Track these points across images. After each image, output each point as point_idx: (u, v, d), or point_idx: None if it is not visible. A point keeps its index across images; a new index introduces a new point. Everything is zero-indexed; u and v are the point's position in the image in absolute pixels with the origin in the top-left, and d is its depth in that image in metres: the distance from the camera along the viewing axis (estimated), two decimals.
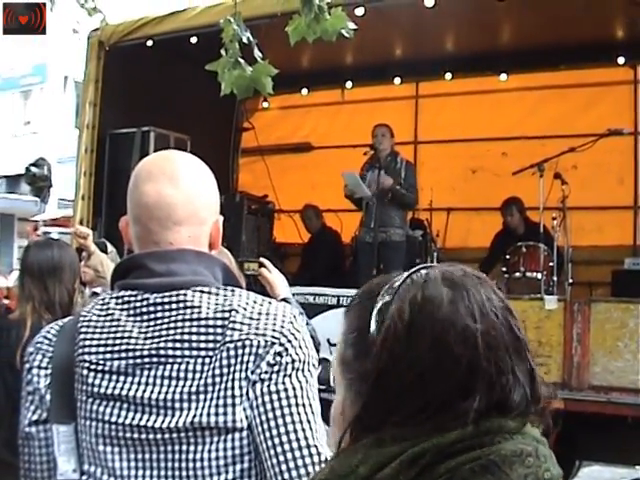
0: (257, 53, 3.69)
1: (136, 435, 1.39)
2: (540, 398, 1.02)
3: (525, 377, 1.00)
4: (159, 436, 1.38)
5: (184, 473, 1.38)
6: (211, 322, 1.41)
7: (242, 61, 3.65)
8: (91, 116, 7.56)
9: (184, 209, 1.50)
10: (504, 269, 6.97)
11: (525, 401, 1.00)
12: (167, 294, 1.44)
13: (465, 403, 0.97)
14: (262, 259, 3.00)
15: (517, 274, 6.83)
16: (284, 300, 3.17)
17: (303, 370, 1.43)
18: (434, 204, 8.15)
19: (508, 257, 6.91)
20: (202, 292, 1.44)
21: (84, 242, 4.18)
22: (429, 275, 1.05)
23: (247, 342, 1.39)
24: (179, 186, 1.50)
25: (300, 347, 1.44)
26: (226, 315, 1.41)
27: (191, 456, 1.38)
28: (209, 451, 1.38)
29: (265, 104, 9.91)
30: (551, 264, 6.55)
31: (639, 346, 5.40)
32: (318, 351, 3.24)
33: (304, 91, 9.68)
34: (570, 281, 6.40)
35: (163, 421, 1.38)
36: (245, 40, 3.69)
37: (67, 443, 1.44)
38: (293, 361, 1.42)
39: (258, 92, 3.81)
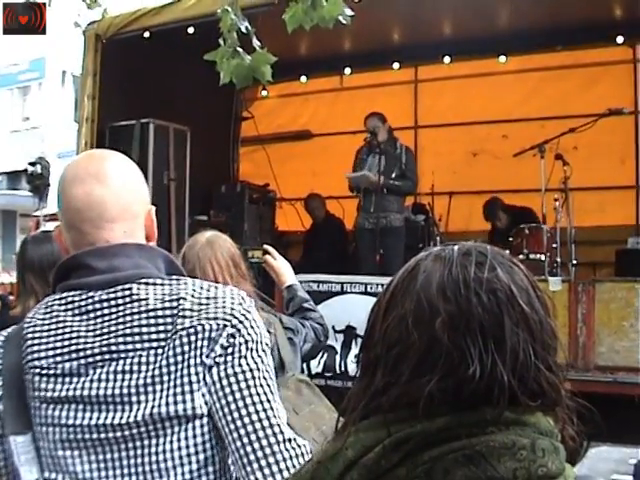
0: (256, 42, 3.68)
1: (95, 435, 1.37)
2: (549, 389, 0.97)
3: (524, 367, 0.94)
4: (119, 433, 1.36)
5: (147, 468, 1.37)
6: (160, 312, 1.39)
7: (241, 50, 3.64)
8: (90, 109, 7.55)
9: (115, 206, 1.48)
10: (507, 251, 6.94)
11: (526, 391, 0.94)
12: (112, 290, 1.42)
13: (421, 380, 0.94)
14: (266, 246, 2.99)
15: (520, 256, 6.81)
16: (290, 287, 3.14)
17: (257, 350, 1.43)
18: (436, 188, 8.15)
19: (511, 239, 6.91)
20: (147, 284, 1.43)
21: None
22: (430, 251, 1.05)
23: (199, 328, 1.38)
24: (106, 184, 1.48)
25: (252, 327, 1.43)
26: (174, 304, 1.40)
27: (153, 449, 1.36)
28: (171, 442, 1.36)
29: (264, 93, 9.88)
30: (554, 245, 6.55)
31: None
32: (327, 338, 3.23)
33: (303, 79, 9.66)
34: (574, 262, 6.40)
35: (122, 417, 1.36)
36: (243, 29, 3.68)
37: (26, 453, 1.41)
38: (246, 342, 1.41)
39: (257, 81, 3.80)
